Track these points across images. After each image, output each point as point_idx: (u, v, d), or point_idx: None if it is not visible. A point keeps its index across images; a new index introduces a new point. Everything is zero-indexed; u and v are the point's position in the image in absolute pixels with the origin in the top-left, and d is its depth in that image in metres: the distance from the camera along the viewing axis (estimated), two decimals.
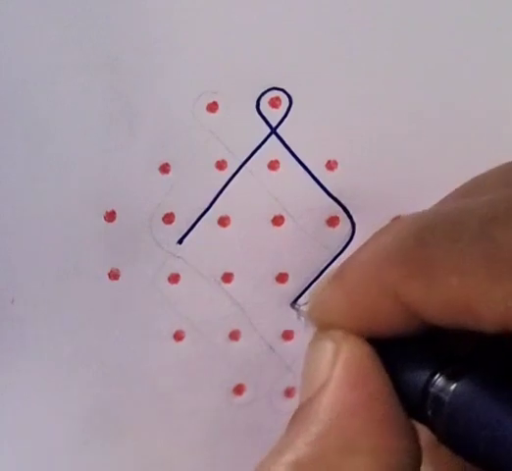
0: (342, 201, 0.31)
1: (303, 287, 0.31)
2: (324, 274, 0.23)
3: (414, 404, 0.20)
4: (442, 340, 0.21)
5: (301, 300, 0.30)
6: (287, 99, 0.30)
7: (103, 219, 0.29)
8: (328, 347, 0.21)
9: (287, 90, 0.30)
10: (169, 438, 0.31)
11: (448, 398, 0.19)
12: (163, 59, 0.29)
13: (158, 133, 0.29)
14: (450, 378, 0.20)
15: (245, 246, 0.30)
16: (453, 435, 0.19)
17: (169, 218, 0.30)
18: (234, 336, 0.31)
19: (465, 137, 0.31)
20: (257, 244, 0.31)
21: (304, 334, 0.31)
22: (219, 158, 0.30)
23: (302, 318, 0.26)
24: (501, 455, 0.18)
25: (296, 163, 0.30)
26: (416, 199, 0.31)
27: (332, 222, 0.31)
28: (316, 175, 0.30)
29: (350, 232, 0.31)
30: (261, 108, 0.30)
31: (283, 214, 0.30)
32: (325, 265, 0.31)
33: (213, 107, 0.29)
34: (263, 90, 0.29)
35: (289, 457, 0.20)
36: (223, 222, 0.30)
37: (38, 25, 0.27)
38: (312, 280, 0.31)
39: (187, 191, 0.30)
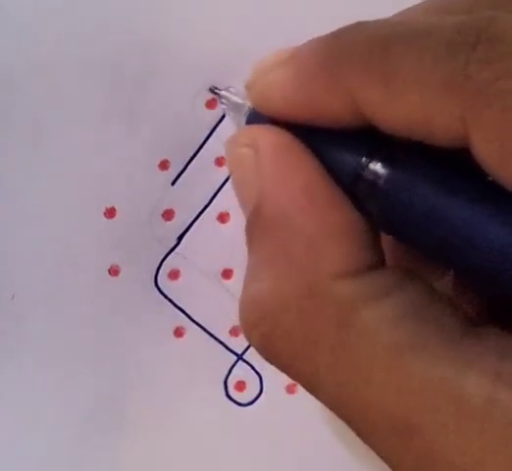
0: None
1: None
2: (272, 53, 0.21)
3: (345, 189, 0.19)
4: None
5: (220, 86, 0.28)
6: None
7: (103, 215, 0.29)
8: (247, 152, 0.20)
9: None
10: (169, 433, 0.31)
11: (382, 182, 0.18)
12: (162, 56, 0.29)
13: (157, 130, 0.29)
14: (384, 162, 0.19)
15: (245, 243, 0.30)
16: (389, 216, 0.19)
17: (168, 214, 0.30)
18: (235, 332, 0.31)
19: None
20: None
21: None
22: (218, 155, 0.30)
23: (224, 101, 0.24)
24: (437, 232, 0.18)
25: None
26: None
27: None
28: None
29: None
30: None
31: None
32: None
33: (212, 104, 0.29)
34: None
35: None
36: (222, 218, 0.30)
37: (38, 23, 0.27)
38: None
39: (187, 188, 0.30)
